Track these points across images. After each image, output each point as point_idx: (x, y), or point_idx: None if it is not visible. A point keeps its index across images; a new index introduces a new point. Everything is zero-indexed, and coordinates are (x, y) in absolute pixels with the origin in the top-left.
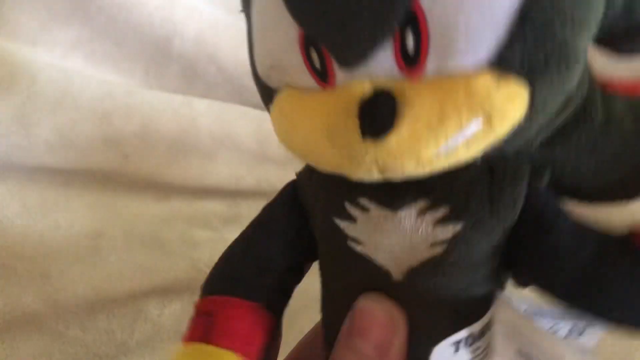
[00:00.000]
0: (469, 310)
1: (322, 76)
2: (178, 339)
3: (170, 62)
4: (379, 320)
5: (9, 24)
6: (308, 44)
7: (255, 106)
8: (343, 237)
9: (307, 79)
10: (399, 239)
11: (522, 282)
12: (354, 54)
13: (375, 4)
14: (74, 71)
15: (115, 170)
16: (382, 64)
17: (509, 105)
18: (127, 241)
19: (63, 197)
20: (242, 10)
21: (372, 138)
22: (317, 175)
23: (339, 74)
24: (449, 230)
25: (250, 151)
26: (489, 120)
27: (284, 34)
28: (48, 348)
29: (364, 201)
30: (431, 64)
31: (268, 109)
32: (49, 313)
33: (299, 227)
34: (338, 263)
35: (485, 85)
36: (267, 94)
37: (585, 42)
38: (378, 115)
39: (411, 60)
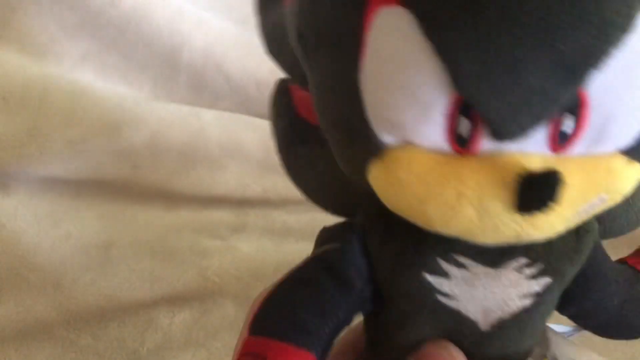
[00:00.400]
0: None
1: (462, 143)
2: (187, 348)
3: (179, 73)
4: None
5: (19, 37)
6: (461, 111)
7: (261, 116)
8: (433, 292)
9: (439, 142)
10: (493, 293)
11: (563, 313)
12: (514, 130)
13: (546, 86)
14: (84, 83)
15: (125, 180)
16: (535, 141)
17: (629, 184)
18: (136, 250)
19: (74, 207)
20: (307, 50)
21: (529, 213)
22: (403, 234)
23: (485, 144)
24: (541, 284)
25: (256, 160)
26: (612, 196)
27: (427, 94)
28: (60, 356)
29: (460, 258)
30: (581, 147)
31: (361, 163)
32: (61, 321)
33: (367, 277)
34: (417, 316)
35: (619, 168)
36: (371, 148)
37: None
38: (546, 193)
39: (563, 141)
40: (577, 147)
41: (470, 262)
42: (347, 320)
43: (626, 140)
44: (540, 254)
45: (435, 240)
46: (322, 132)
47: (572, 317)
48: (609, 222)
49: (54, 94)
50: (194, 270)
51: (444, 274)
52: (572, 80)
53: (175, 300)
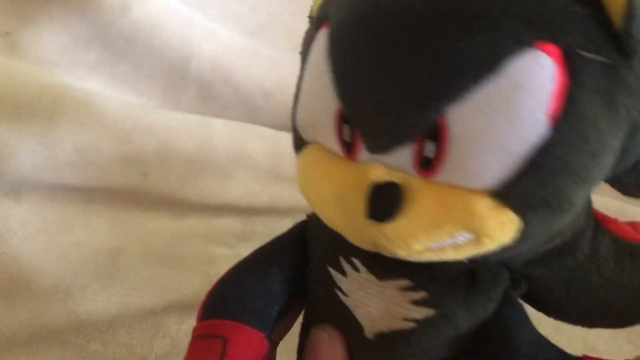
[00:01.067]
0: None
1: (349, 149)
2: None
3: (187, 83)
4: (325, 344)
5: (30, 47)
6: (343, 119)
7: (268, 125)
8: (332, 284)
9: (334, 145)
10: (378, 303)
11: None
12: (380, 145)
13: (407, 110)
14: (94, 92)
15: (135, 188)
16: (401, 159)
17: (499, 230)
18: (145, 257)
19: (83, 214)
20: (300, 53)
21: (375, 221)
22: (323, 225)
23: (364, 152)
24: (421, 312)
25: (264, 169)
26: (478, 238)
27: (325, 101)
28: None
29: (356, 261)
30: (443, 175)
31: (296, 154)
32: (71, 327)
33: (304, 266)
34: (323, 306)
35: (483, 208)
36: (299, 142)
37: (586, 191)
38: (384, 203)
39: (426, 165)
40: (440, 175)
41: (362, 268)
42: (291, 307)
43: (489, 180)
44: (423, 281)
45: (342, 241)
46: None
47: None
48: (535, 286)
49: (65, 102)
50: (202, 278)
51: (342, 272)
52: (427, 108)
53: (184, 307)
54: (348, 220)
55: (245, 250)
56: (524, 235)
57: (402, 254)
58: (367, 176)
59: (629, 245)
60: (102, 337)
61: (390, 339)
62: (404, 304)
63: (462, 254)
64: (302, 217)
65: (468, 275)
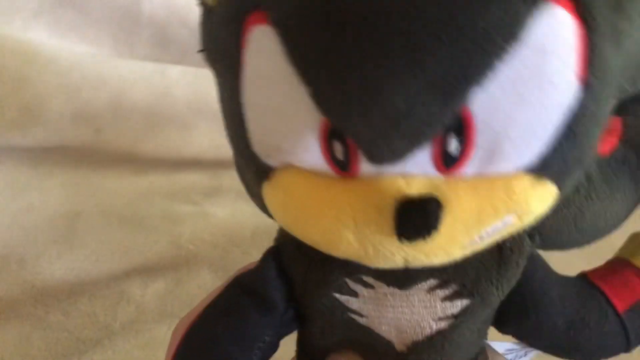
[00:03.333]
0: None
1: (343, 166)
2: (163, 320)
3: (140, 27)
4: None
5: None
6: (332, 135)
7: None
8: (344, 310)
9: (319, 164)
10: (405, 314)
11: (503, 332)
12: (390, 154)
13: (416, 108)
14: (37, 43)
15: (88, 145)
16: (418, 164)
17: (540, 204)
18: (104, 220)
19: (34, 177)
20: (211, 61)
21: (410, 241)
22: (310, 252)
23: (365, 167)
24: (457, 306)
25: None
26: (520, 217)
27: (298, 118)
28: (28, 335)
29: (367, 279)
30: (471, 167)
31: (256, 183)
32: (27, 298)
33: (288, 300)
34: (334, 333)
35: (523, 188)
36: (261, 170)
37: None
38: (419, 220)
39: (450, 162)
40: (468, 168)
41: (376, 282)
42: (275, 343)
43: (526, 158)
44: (452, 276)
45: (341, 260)
46: None
47: (515, 337)
48: (551, 234)
49: (5, 56)
50: (166, 238)
51: (352, 293)
52: (449, 100)
53: (148, 270)
54: (371, 248)
55: (212, 207)
56: (557, 199)
57: (440, 260)
58: (385, 191)
59: (606, 161)
60: (63, 306)
61: (428, 345)
62: (436, 304)
63: (499, 237)
64: None
65: (496, 253)
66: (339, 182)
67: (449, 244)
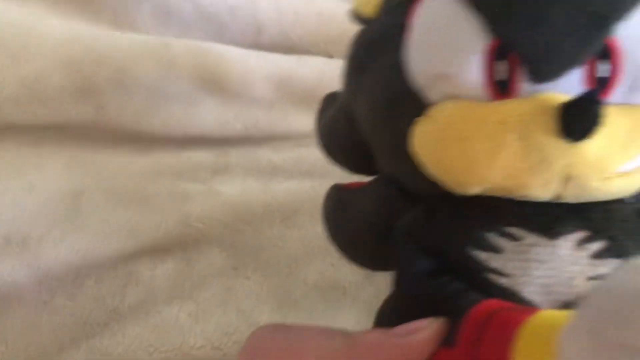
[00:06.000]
0: None
1: (503, 88)
2: (173, 301)
3: (140, 1)
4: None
5: None
6: (499, 56)
7: (236, 44)
8: (478, 270)
9: (477, 90)
10: (553, 271)
11: None
12: (552, 71)
13: (575, 30)
14: (34, 17)
15: (91, 123)
16: (571, 84)
17: None
18: (109, 199)
19: (35, 156)
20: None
21: (572, 139)
22: (442, 214)
23: (524, 87)
24: (607, 265)
25: (235, 94)
26: None
27: (465, 43)
28: (33, 320)
29: (513, 230)
30: (618, 95)
31: (406, 125)
32: (31, 282)
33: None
34: (469, 294)
35: None
36: (413, 109)
37: None
38: (581, 118)
39: (601, 86)
40: (615, 95)
41: (522, 232)
42: None
43: None
44: (600, 228)
45: (481, 213)
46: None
47: None
48: None
49: (2, 29)
50: (175, 217)
51: (494, 249)
52: (600, 29)
53: (156, 251)
54: (526, 149)
55: (220, 185)
56: None
57: (595, 182)
58: (546, 101)
59: None
60: (68, 290)
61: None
62: (586, 261)
63: None
64: (281, 145)
65: (636, 216)
66: (502, 104)
67: (607, 156)
